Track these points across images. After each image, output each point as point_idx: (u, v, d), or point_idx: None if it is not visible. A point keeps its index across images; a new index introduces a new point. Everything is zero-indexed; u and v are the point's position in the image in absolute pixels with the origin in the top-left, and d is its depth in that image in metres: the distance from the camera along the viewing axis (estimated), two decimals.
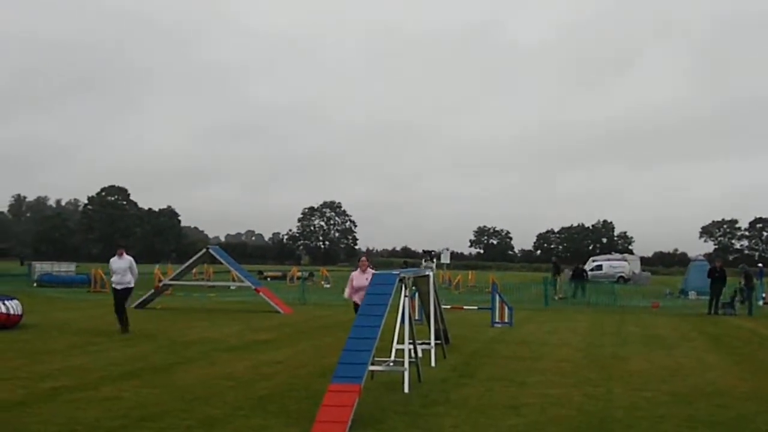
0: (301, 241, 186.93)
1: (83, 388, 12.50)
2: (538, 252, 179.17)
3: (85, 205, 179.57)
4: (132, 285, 21.31)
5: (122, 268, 20.98)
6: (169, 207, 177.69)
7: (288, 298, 35.56)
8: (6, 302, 21.62)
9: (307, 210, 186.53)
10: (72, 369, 14.57)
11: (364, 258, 17.74)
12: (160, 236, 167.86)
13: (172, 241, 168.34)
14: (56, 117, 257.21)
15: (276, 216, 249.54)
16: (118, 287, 21.02)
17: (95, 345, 18.10)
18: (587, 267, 65.87)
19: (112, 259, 21.29)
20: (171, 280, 34.54)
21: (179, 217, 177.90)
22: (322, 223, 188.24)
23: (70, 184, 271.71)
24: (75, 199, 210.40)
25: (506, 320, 25.70)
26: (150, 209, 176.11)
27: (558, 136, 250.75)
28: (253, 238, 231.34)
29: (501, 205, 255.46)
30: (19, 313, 21.80)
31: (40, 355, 16.29)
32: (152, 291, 32.53)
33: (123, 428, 9.76)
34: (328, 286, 56.17)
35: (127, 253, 21.24)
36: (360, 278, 16.86)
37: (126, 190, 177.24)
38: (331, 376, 10.98)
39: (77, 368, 14.67)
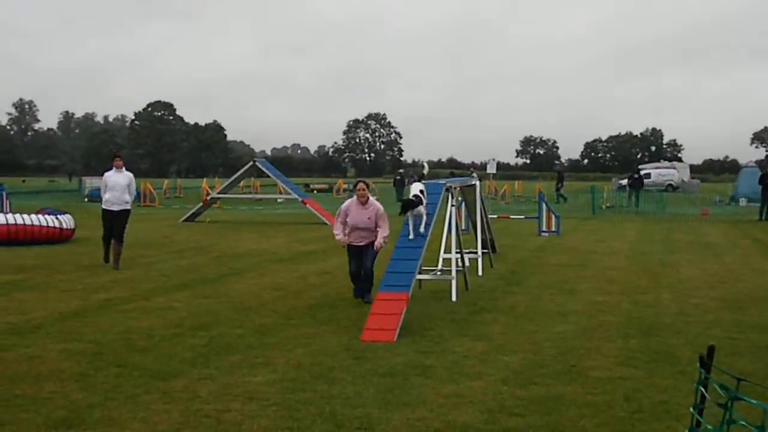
0: (347, 154, 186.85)
1: (136, 299, 12.75)
2: (586, 161, 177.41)
3: (132, 120, 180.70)
4: (130, 207, 17.13)
5: (120, 184, 16.85)
6: (215, 122, 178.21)
7: (334, 210, 35.56)
8: (59, 217, 22.00)
9: (352, 122, 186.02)
10: (124, 281, 14.84)
11: (361, 183, 13.04)
12: (207, 151, 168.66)
13: (218, 156, 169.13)
14: (107, 34, 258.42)
15: (321, 129, 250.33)
16: (114, 208, 16.80)
17: (146, 257, 18.39)
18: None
19: (107, 173, 17.17)
20: (219, 193, 34.79)
21: (225, 132, 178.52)
22: (368, 136, 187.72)
23: (118, 100, 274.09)
24: (122, 115, 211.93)
25: (553, 229, 25.65)
26: (196, 124, 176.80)
27: (615, 40, 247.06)
28: (299, 151, 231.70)
29: (547, 114, 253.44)
30: (72, 227, 22.18)
31: (93, 267, 16.59)
32: (200, 204, 32.84)
33: (176, 336, 9.95)
34: (374, 197, 56.33)
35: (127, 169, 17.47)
36: (358, 213, 12.56)
37: (172, 105, 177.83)
38: (379, 285, 11.08)
39: (129, 280, 14.93)
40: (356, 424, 6.56)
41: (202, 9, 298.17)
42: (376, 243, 12.42)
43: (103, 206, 16.94)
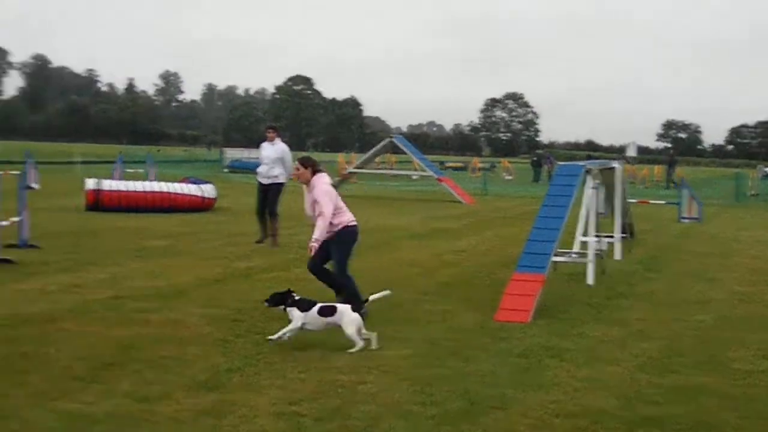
0: (483, 133, 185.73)
1: (275, 269, 13.04)
2: (730, 147, 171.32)
3: (273, 94, 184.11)
4: (282, 180, 16.31)
5: (270, 157, 16.23)
6: (352, 97, 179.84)
7: (469, 188, 35.56)
8: (202, 186, 22.67)
9: (489, 101, 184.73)
10: (264, 251, 15.19)
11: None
12: (343, 126, 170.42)
13: (354, 131, 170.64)
14: (253, 8, 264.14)
15: (458, 107, 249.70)
16: (264, 181, 16.22)
17: (286, 229, 18.66)
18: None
19: (262, 145, 16.67)
20: (355, 168, 35.14)
21: (361, 107, 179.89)
22: (504, 115, 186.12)
23: (258, 74, 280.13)
24: (263, 88, 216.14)
25: (695, 215, 24.93)
26: (333, 99, 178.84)
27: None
28: (434, 129, 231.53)
29: (691, 98, 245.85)
30: (214, 196, 22.82)
31: (235, 236, 17.05)
32: (337, 179, 33.26)
33: None
34: (509, 177, 55.94)
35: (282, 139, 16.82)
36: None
37: (310, 80, 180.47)
38: (514, 265, 11.00)
39: (269, 250, 15.27)
40: (490, 402, 6.56)
41: None
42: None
43: (258, 178, 16.50)
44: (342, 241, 9.90)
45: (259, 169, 16.38)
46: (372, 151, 35.16)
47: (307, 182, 9.88)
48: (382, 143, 34.15)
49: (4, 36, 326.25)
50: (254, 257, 14.22)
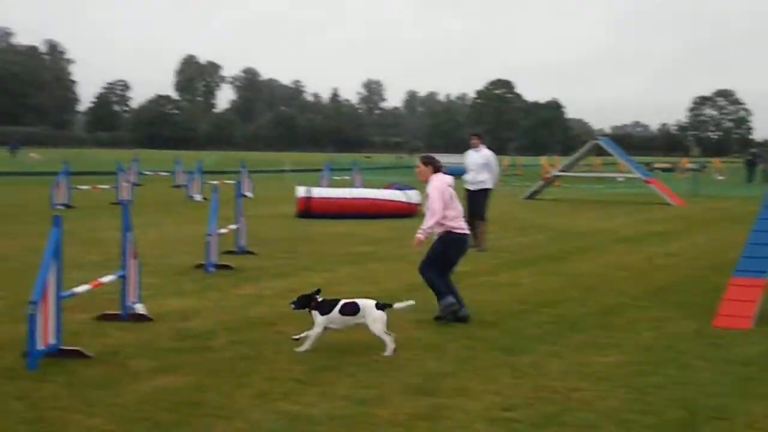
0: (691, 132, 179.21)
1: (482, 274, 13.06)
2: None
3: (474, 98, 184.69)
4: (489, 186, 16.42)
5: (476, 163, 16.38)
6: (554, 99, 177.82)
7: (679, 190, 34.37)
8: (407, 192, 23.00)
9: (698, 99, 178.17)
10: (470, 256, 15.11)
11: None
12: (545, 128, 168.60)
13: (557, 133, 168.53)
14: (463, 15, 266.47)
15: (664, 107, 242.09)
16: (472, 188, 16.36)
17: (490, 234, 18.63)
18: None
19: (467, 152, 16.87)
20: (559, 171, 34.72)
21: (563, 109, 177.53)
22: (714, 113, 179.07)
23: (459, 79, 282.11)
24: (463, 93, 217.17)
25: None
26: (535, 102, 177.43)
27: None
28: (639, 129, 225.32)
29: None
30: (418, 202, 23.07)
31: None
32: (541, 183, 32.96)
33: (522, 313, 10.08)
34: (721, 178, 53.73)
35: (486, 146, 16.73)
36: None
37: (511, 83, 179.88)
38: (729, 270, 10.53)
39: (475, 255, 15.22)
40: (711, 413, 6.30)
41: None
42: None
43: (465, 186, 16.25)
44: (443, 241, 9.73)
45: (466, 176, 16.40)
46: (577, 154, 34.67)
47: (426, 180, 9.94)
48: (587, 145, 33.61)
49: (217, 51, 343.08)
50: (462, 262, 14.22)
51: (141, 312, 9.21)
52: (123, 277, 8.94)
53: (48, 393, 6.49)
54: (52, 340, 7.38)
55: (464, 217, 15.07)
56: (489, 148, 16.91)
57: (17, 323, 8.66)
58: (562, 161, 44.22)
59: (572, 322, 9.59)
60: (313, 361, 7.58)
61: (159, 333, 8.56)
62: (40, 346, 7.13)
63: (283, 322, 9.22)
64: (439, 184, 9.74)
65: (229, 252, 14.26)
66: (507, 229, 19.44)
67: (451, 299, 9.50)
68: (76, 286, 8.44)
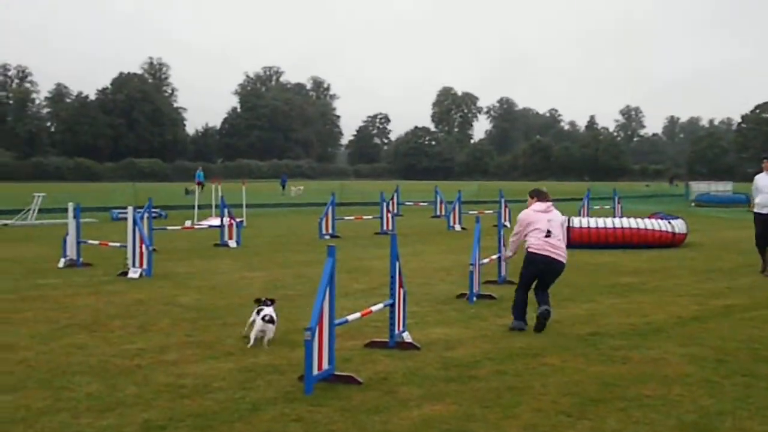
0: None
1: (758, 307, 12.36)
2: None
3: (739, 123, 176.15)
4: None
5: None
6: None
7: None
8: (671, 221, 22.24)
9: None
10: (742, 288, 14.46)
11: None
12: None
13: None
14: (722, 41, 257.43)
15: None
16: (764, 211, 16.38)
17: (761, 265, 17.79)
18: None
19: (757, 176, 16.74)
20: None
21: None
22: None
23: (724, 103, 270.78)
24: (728, 118, 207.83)
25: None
26: None
27: None
28: None
29: None
30: (684, 231, 22.26)
31: (709, 273, 16.46)
32: None
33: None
34: None
35: None
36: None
37: None
38: None
39: (748, 287, 14.53)
40: None
41: None
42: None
43: (755, 210, 16.62)
44: (525, 260, 10.84)
45: (757, 200, 16.52)
46: None
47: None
48: None
49: (475, 83, 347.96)
50: (732, 295, 13.59)
51: (408, 340, 9.42)
52: (391, 306, 9.19)
53: (323, 417, 6.76)
54: (326, 366, 7.70)
55: (756, 242, 15.06)
56: (757, 172, 16.69)
57: (293, 348, 9.12)
58: None
59: None
60: (582, 394, 7.46)
61: (425, 361, 8.72)
62: (315, 371, 7.46)
63: (547, 352, 9.16)
64: (523, 212, 11.02)
65: (491, 282, 14.33)
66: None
67: (518, 323, 10.60)
68: (347, 314, 8.77)
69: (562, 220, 10.92)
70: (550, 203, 11.00)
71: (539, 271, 10.65)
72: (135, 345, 9.49)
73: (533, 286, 10.78)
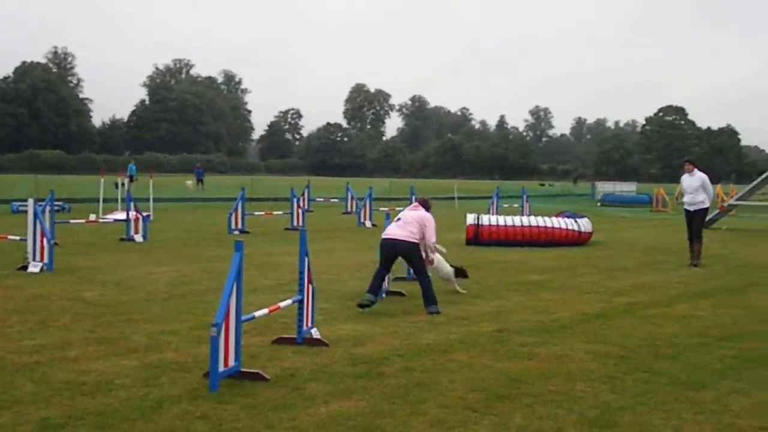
0: None
1: (657, 305, 12.66)
2: None
3: (643, 125, 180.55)
4: (707, 205, 18.44)
5: (693, 186, 18.27)
6: (729, 126, 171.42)
7: None
8: (578, 220, 22.63)
9: None
10: (644, 286, 14.81)
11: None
12: (719, 156, 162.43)
13: (732, 162, 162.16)
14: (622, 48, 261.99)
15: None
16: (690, 209, 18.34)
17: (663, 264, 18.25)
18: None
19: (682, 177, 18.75)
20: (736, 200, 33.41)
21: (739, 136, 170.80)
22: None
23: (629, 106, 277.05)
24: (633, 120, 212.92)
25: None
26: (708, 128, 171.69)
27: None
28: None
29: None
30: (590, 230, 22.69)
31: (613, 271, 16.81)
32: (717, 212, 31.77)
33: (701, 346, 9.70)
34: None
35: (699, 169, 18.55)
36: None
37: (684, 110, 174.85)
38: None
39: (648, 285, 14.88)
40: None
41: None
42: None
43: (684, 207, 18.68)
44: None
45: (684, 198, 18.56)
46: (755, 182, 33.22)
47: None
48: (766, 174, 32.17)
49: (386, 81, 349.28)
50: (634, 293, 13.90)
51: (316, 336, 9.39)
52: (300, 302, 9.15)
53: (228, 414, 6.69)
54: (232, 362, 7.62)
55: (686, 235, 15.87)
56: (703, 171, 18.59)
57: (200, 345, 9.01)
58: (738, 190, 42.54)
59: (756, 357, 9.17)
60: (489, 389, 7.53)
61: (333, 358, 8.70)
62: (221, 367, 7.38)
63: (455, 349, 9.22)
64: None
65: (400, 278, 14.37)
66: (683, 259, 18.79)
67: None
68: (255, 310, 8.68)
69: (419, 216, 12.28)
70: (418, 204, 12.76)
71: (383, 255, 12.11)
72: (34, 341, 9.23)
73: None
